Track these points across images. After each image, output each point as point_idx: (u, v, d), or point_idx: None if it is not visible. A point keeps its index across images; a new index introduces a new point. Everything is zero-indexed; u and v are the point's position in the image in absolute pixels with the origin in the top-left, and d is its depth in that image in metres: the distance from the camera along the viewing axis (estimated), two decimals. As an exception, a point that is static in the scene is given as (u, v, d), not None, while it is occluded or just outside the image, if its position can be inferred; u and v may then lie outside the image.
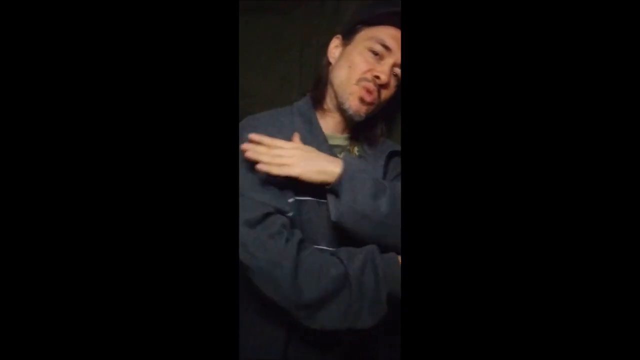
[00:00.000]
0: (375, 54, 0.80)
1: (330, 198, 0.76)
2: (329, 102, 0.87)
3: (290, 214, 0.75)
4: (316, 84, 0.88)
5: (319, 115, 0.87)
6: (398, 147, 0.89)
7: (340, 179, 0.73)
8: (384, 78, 0.79)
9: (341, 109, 0.84)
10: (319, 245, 0.76)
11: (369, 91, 0.80)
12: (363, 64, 0.81)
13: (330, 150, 0.83)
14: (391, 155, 0.87)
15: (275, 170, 0.71)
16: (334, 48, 0.87)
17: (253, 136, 0.73)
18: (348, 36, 0.85)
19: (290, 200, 0.76)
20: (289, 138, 0.78)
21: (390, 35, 0.80)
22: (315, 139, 0.82)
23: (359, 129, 0.89)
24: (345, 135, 0.89)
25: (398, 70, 0.81)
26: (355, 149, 0.89)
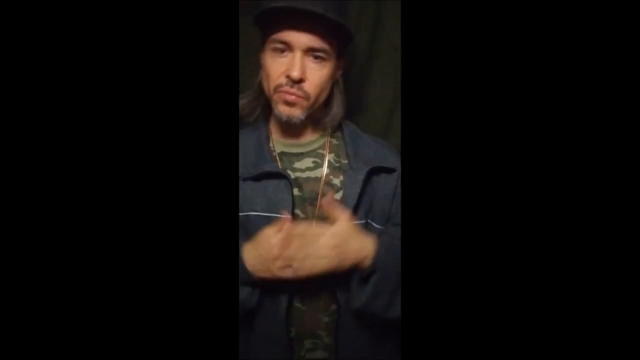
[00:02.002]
0: (281, 51, 0.76)
1: (354, 280, 0.74)
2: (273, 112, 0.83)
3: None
4: (254, 90, 0.84)
5: (273, 128, 0.85)
6: (390, 163, 0.84)
7: (373, 267, 0.72)
8: (295, 74, 0.74)
9: (277, 117, 0.80)
10: None
11: (288, 93, 0.76)
12: (274, 70, 0.77)
13: (286, 162, 0.81)
14: (376, 171, 0.82)
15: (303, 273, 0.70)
16: (260, 54, 0.83)
17: (325, 202, 0.72)
18: (262, 41, 0.81)
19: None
20: (243, 156, 0.79)
21: (286, 31, 0.75)
22: (262, 155, 0.80)
23: (318, 122, 0.84)
24: (312, 138, 0.85)
25: (316, 53, 0.76)
26: (331, 156, 0.84)
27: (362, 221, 0.80)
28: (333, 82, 0.82)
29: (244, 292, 0.72)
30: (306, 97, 0.77)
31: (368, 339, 0.79)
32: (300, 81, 0.76)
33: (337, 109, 0.84)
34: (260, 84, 0.82)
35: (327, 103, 0.83)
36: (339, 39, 0.78)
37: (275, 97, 0.78)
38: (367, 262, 0.72)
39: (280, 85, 0.77)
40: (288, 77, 0.75)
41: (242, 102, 0.84)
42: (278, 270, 0.70)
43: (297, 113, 0.78)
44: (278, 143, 0.84)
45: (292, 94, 0.76)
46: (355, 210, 0.78)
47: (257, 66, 0.87)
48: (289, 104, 0.77)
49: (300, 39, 0.74)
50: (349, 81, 1.08)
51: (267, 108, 0.84)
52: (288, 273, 0.70)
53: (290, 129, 0.83)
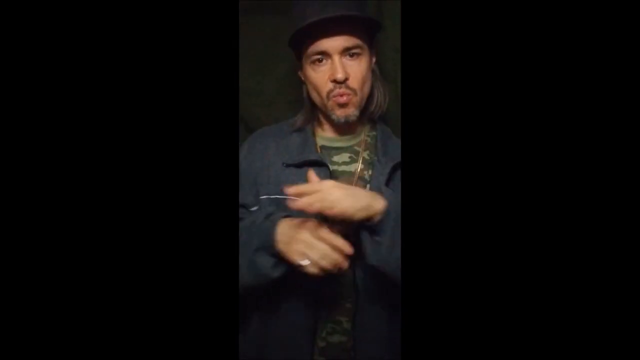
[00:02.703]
0: (320, 61, 0.83)
1: (366, 237, 0.76)
2: (323, 117, 0.92)
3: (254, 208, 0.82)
4: (305, 106, 0.92)
5: (318, 127, 0.93)
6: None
7: (383, 218, 0.73)
8: (340, 76, 0.81)
9: (334, 121, 0.87)
10: None
11: (341, 96, 0.83)
12: (320, 80, 0.84)
13: (325, 155, 0.87)
14: (396, 168, 0.88)
15: (328, 212, 0.71)
16: (300, 72, 0.91)
17: (290, 191, 0.72)
18: (298, 58, 0.89)
19: (263, 197, 0.82)
20: (286, 150, 0.87)
21: (318, 41, 0.81)
22: (308, 149, 0.88)
23: (364, 114, 0.91)
24: (349, 135, 0.92)
25: (351, 51, 0.82)
26: (366, 153, 0.90)
27: None
28: (371, 72, 0.88)
29: (269, 262, 0.75)
30: (354, 92, 0.84)
31: (385, 324, 0.83)
32: (345, 80, 0.82)
33: (379, 95, 0.91)
34: (308, 99, 0.91)
35: (370, 93, 0.89)
36: (367, 32, 0.85)
37: (330, 104, 0.85)
38: (377, 217, 0.73)
39: (330, 91, 0.83)
40: (334, 81, 0.82)
41: (300, 119, 0.92)
42: (296, 253, 0.72)
43: (351, 111, 0.84)
44: (321, 138, 0.91)
45: (342, 94, 0.83)
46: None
47: (260, 66, 0.89)
48: (342, 105, 0.84)
49: (335, 43, 0.81)
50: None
51: (316, 116, 0.92)
52: (301, 259, 0.72)
53: (334, 126, 0.90)
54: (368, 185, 0.86)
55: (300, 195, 0.72)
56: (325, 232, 0.72)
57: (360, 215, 0.72)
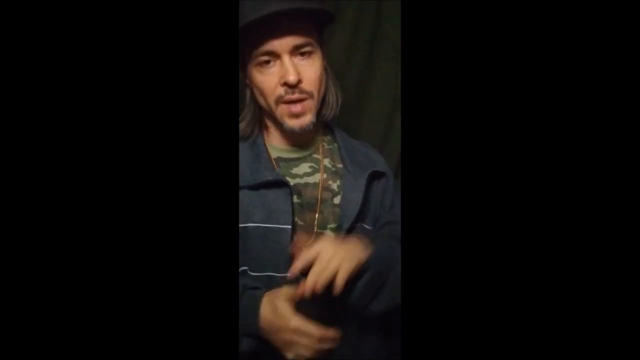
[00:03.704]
0: (267, 62, 0.73)
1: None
2: (272, 124, 0.81)
3: None
4: (248, 111, 0.81)
5: (266, 135, 0.82)
6: (379, 166, 0.84)
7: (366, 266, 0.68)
8: (292, 78, 0.71)
9: (286, 130, 0.78)
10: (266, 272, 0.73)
11: (292, 103, 0.74)
12: (268, 84, 0.74)
13: (283, 169, 0.79)
14: (374, 175, 0.81)
15: (336, 282, 0.65)
16: (241, 72, 0.80)
17: (293, 273, 0.67)
18: (242, 58, 0.78)
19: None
20: (243, 165, 0.75)
21: (265, 40, 0.72)
22: (263, 166, 0.77)
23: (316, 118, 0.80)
24: (304, 143, 0.82)
25: (302, 50, 0.73)
26: (327, 161, 0.82)
27: (359, 224, 0.79)
28: (324, 74, 0.79)
29: (247, 344, 0.68)
30: (310, 96, 0.75)
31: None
32: (298, 83, 0.73)
33: (331, 97, 0.81)
34: (252, 103, 0.79)
35: (323, 95, 0.80)
36: (316, 26, 0.76)
37: (279, 111, 0.75)
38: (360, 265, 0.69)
39: (280, 97, 0.74)
40: (285, 84, 0.72)
41: (242, 125, 0.80)
42: (283, 347, 0.67)
43: (307, 120, 0.75)
44: (273, 149, 0.81)
45: (296, 101, 0.74)
46: (359, 215, 0.77)
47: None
48: (297, 115, 0.75)
49: (283, 42, 0.72)
50: (349, 82, 1.09)
51: (262, 122, 0.81)
52: (289, 355, 0.67)
53: (287, 135, 0.80)
54: (339, 197, 0.79)
55: (302, 270, 0.65)
56: (305, 326, 0.65)
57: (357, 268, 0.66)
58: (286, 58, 0.72)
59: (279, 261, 0.73)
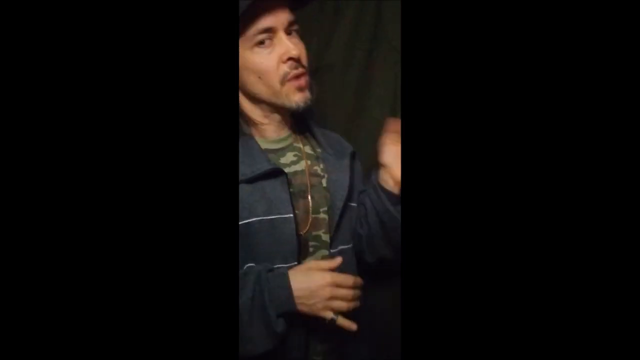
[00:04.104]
0: (262, 43, 0.72)
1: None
2: (258, 115, 0.80)
3: None
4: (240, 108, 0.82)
5: (255, 130, 0.81)
6: (349, 148, 0.88)
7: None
8: (295, 52, 0.72)
9: (284, 110, 0.79)
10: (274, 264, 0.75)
11: (298, 78, 0.74)
12: (269, 64, 0.73)
13: (269, 157, 0.78)
14: (353, 156, 0.87)
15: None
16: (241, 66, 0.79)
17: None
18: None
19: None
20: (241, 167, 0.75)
21: (260, 18, 0.71)
22: (258, 158, 0.76)
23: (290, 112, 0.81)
24: (288, 131, 0.83)
25: (292, 27, 0.75)
26: (307, 147, 0.84)
27: (354, 204, 0.85)
28: None
29: (281, 325, 0.70)
30: (305, 69, 0.76)
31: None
32: (299, 58, 0.74)
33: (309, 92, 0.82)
34: (248, 94, 0.78)
35: None
36: (296, 5, 0.78)
37: (285, 89, 0.74)
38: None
39: (286, 74, 0.73)
40: (290, 59, 0.72)
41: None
42: (321, 310, 0.71)
43: (308, 94, 0.76)
44: (262, 142, 0.80)
45: (300, 76, 0.74)
46: (349, 194, 0.82)
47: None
48: (301, 89, 0.75)
49: (279, 17, 0.72)
50: (349, 81, 1.09)
51: (244, 117, 0.81)
52: (328, 315, 0.71)
53: (273, 125, 0.81)
54: (325, 179, 0.82)
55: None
56: (340, 277, 0.72)
57: None
58: (282, 35, 0.73)
59: (287, 252, 0.75)
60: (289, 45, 0.72)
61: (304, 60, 0.75)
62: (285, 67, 0.73)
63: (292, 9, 0.75)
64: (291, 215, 0.75)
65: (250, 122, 0.80)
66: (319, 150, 0.85)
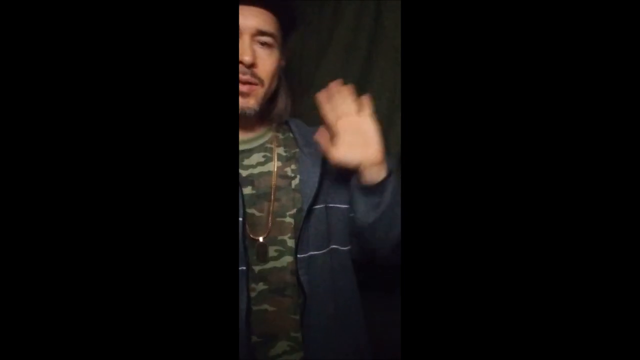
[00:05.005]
0: None
1: (360, 197, 0.76)
2: None
3: None
4: None
5: None
6: None
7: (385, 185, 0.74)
8: (247, 58, 0.72)
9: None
10: None
11: (241, 83, 0.74)
12: None
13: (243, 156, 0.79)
14: (325, 162, 0.80)
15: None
16: None
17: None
18: None
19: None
20: None
21: None
22: None
23: (266, 114, 0.83)
24: (258, 133, 0.83)
25: (263, 38, 0.75)
26: (280, 149, 0.82)
27: (322, 205, 0.79)
28: (279, 74, 0.80)
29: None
30: (260, 82, 0.75)
31: (336, 329, 0.76)
32: (252, 66, 0.73)
33: (282, 103, 0.83)
34: None
35: (272, 98, 0.82)
36: (283, 24, 0.78)
37: None
38: (381, 176, 0.74)
39: None
40: (240, 62, 0.72)
41: None
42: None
43: (251, 103, 0.76)
44: None
45: (245, 82, 0.74)
46: (316, 196, 0.77)
47: None
48: (243, 94, 0.74)
49: (248, 22, 0.73)
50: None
51: None
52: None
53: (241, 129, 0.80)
54: (296, 180, 0.79)
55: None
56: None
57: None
58: (247, 39, 0.73)
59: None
60: (245, 50, 0.73)
61: (261, 72, 0.75)
62: None
63: (270, 25, 0.76)
64: (239, 218, 0.72)
65: None
66: (294, 150, 0.83)
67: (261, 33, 0.74)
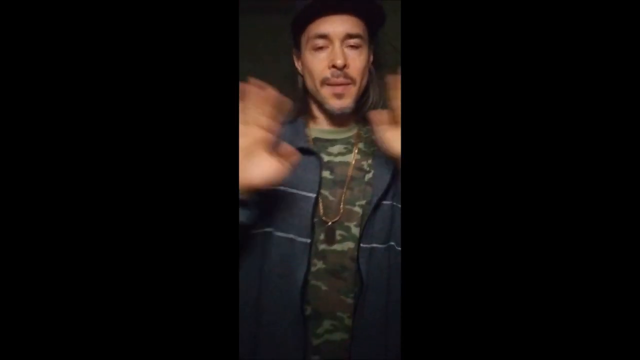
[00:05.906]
0: (320, 48, 0.83)
1: None
2: (313, 107, 0.90)
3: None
4: (297, 98, 0.90)
5: (310, 120, 0.91)
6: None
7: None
8: (339, 62, 0.80)
9: (329, 112, 0.87)
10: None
11: (337, 85, 0.82)
12: (317, 66, 0.83)
13: (319, 146, 0.87)
14: (396, 173, 0.85)
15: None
16: (296, 61, 0.90)
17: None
18: (297, 46, 0.88)
19: None
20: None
21: (320, 24, 0.82)
22: (298, 138, 0.85)
23: (357, 112, 0.90)
24: (346, 127, 0.91)
25: (352, 41, 0.82)
26: (361, 144, 0.89)
27: (389, 202, 0.83)
28: (369, 69, 0.87)
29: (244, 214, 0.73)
30: (353, 82, 0.83)
31: (385, 322, 0.79)
32: (344, 67, 0.81)
33: (374, 96, 0.90)
34: (302, 88, 0.89)
35: (364, 93, 0.88)
36: (368, 26, 0.85)
37: (323, 91, 0.84)
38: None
39: (326, 79, 0.82)
40: (333, 66, 0.81)
41: (292, 111, 0.88)
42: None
43: (347, 103, 0.84)
44: (314, 131, 0.90)
45: (339, 84, 0.82)
46: (386, 192, 0.82)
47: (260, 66, 0.93)
48: (338, 96, 0.83)
49: (338, 28, 0.81)
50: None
51: (309, 107, 0.90)
52: None
53: (327, 119, 0.89)
54: (370, 174, 0.85)
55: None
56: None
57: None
58: (337, 44, 0.81)
59: (301, 226, 0.80)
60: (337, 54, 0.81)
61: (352, 72, 0.82)
62: (327, 73, 0.82)
63: (358, 27, 0.82)
64: (314, 195, 0.80)
65: (310, 112, 0.91)
66: (374, 148, 0.88)
67: (350, 36, 0.82)
